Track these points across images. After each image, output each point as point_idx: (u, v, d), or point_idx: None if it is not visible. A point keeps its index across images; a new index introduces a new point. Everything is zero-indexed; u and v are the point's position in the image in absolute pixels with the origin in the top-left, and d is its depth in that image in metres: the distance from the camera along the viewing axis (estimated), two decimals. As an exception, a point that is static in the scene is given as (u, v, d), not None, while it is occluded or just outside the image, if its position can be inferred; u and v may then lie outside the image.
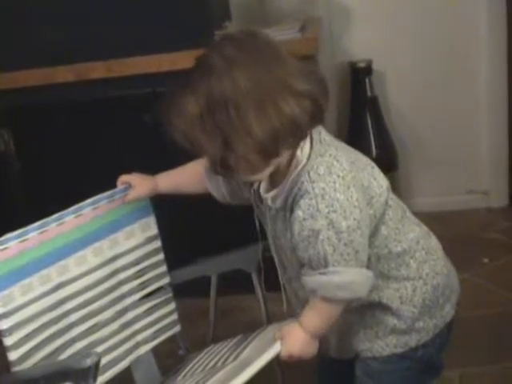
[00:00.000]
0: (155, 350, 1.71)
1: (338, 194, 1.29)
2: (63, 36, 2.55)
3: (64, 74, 2.57)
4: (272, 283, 1.66)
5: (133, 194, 1.61)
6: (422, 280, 1.43)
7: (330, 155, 1.32)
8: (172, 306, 1.72)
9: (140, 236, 1.65)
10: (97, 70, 2.56)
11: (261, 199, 1.42)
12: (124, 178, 1.62)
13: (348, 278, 1.33)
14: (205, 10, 2.55)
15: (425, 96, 3.10)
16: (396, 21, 3.03)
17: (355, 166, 1.34)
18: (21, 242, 1.43)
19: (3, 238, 1.41)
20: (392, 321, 1.44)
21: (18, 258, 1.43)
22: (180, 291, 1.74)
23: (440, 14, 3.00)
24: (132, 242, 1.64)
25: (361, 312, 1.45)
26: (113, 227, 1.61)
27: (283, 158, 1.31)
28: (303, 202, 1.29)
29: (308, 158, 1.31)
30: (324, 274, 1.32)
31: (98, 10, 2.55)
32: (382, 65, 3.03)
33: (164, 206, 1.67)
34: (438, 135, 3.12)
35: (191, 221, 2.56)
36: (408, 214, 1.45)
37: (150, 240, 1.67)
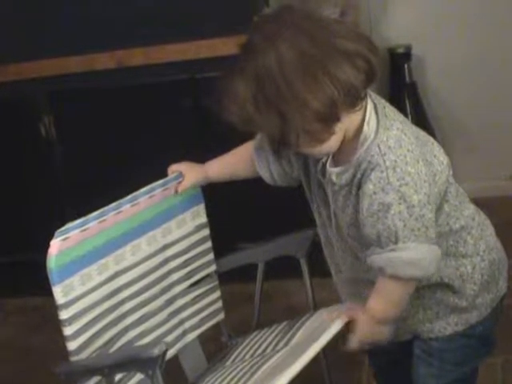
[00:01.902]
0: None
1: (409, 167, 1.27)
2: (102, 23, 2.56)
3: (104, 60, 2.59)
4: (318, 269, 1.68)
5: (185, 184, 1.61)
6: (479, 256, 1.42)
7: (398, 129, 1.30)
8: (218, 293, 1.72)
9: (190, 224, 1.65)
10: (136, 56, 2.57)
11: (323, 175, 1.39)
12: (174, 167, 1.62)
13: (419, 255, 1.30)
14: (243, -4, 2.55)
15: (464, 81, 3.05)
16: (435, 4, 2.99)
17: (420, 141, 1.34)
18: (82, 231, 1.42)
19: (64, 227, 1.40)
20: (453, 300, 1.43)
21: (79, 248, 1.42)
22: (220, 276, 1.74)
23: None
24: (183, 231, 1.64)
25: (420, 294, 1.43)
26: (166, 216, 1.60)
27: (348, 124, 1.29)
28: (374, 176, 1.27)
29: (376, 132, 1.29)
30: (393, 250, 1.29)
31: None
32: (421, 50, 3.00)
33: (212, 192, 1.67)
34: (478, 120, 3.09)
35: (238, 205, 2.56)
36: (461, 190, 1.45)
37: (199, 228, 1.67)
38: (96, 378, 1.43)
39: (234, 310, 1.73)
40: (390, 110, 1.34)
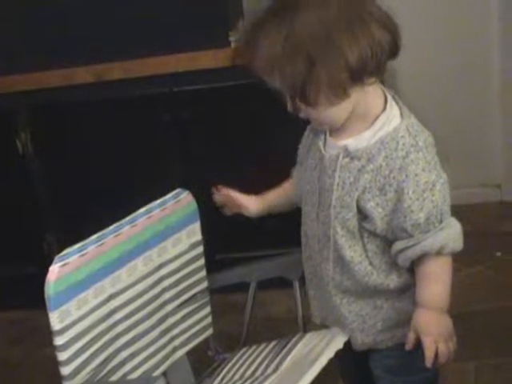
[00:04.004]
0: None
1: (432, 148, 1.36)
2: (81, 37, 2.55)
3: (82, 74, 2.58)
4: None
5: (233, 209, 1.66)
6: None
7: (414, 117, 1.38)
8: (208, 309, 1.71)
9: (186, 242, 1.64)
10: (114, 70, 2.57)
11: (325, 147, 1.41)
12: (239, 198, 1.66)
13: (459, 226, 1.37)
14: (220, 10, 2.56)
15: (438, 90, 3.10)
16: (405, 12, 3.02)
17: None
18: (80, 256, 1.40)
19: (64, 253, 1.38)
20: (413, 308, 1.42)
21: (77, 273, 1.40)
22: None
23: (449, 9, 3.01)
24: (178, 249, 1.63)
25: (377, 305, 1.44)
26: (163, 235, 1.59)
27: (358, 102, 1.32)
28: (413, 156, 1.31)
29: (401, 116, 1.35)
30: (443, 228, 1.33)
31: (114, 12, 2.55)
32: (394, 62, 3.04)
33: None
34: (451, 129, 3.10)
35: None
36: None
37: (194, 246, 1.66)
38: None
39: (216, 321, 1.75)
40: (405, 106, 1.40)
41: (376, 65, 1.29)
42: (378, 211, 1.35)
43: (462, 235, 1.37)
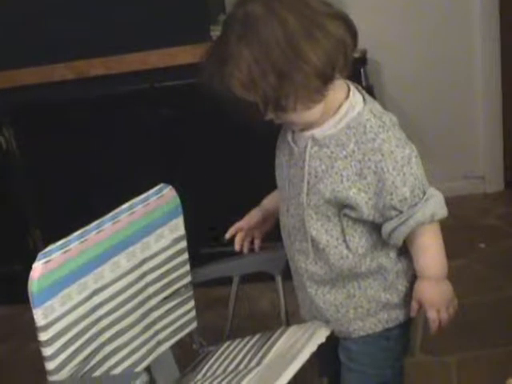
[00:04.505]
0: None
1: (398, 127, 1.39)
2: (60, 35, 2.54)
3: (62, 71, 2.58)
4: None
5: (258, 242, 1.66)
6: None
7: (377, 103, 1.42)
8: (191, 303, 1.73)
9: (168, 237, 1.64)
10: (95, 67, 2.57)
11: (295, 142, 1.44)
12: (240, 226, 1.65)
13: (440, 193, 1.41)
14: (201, 5, 2.57)
15: (420, 84, 3.13)
16: (390, 10, 3.05)
17: None
18: (64, 252, 1.41)
19: (46, 250, 1.39)
20: (385, 296, 1.47)
21: (60, 270, 1.41)
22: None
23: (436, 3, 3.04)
24: (161, 244, 1.63)
25: (351, 293, 1.47)
26: (146, 231, 1.59)
27: (333, 93, 1.35)
28: (384, 136, 1.35)
29: (364, 101, 1.39)
30: (428, 198, 1.37)
31: (95, 8, 2.55)
32: (377, 55, 3.05)
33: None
34: (434, 123, 3.15)
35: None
36: None
37: (177, 241, 1.67)
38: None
39: (199, 315, 1.74)
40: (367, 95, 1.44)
41: (344, 61, 1.33)
42: (361, 196, 1.37)
43: (444, 202, 1.41)
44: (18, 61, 2.59)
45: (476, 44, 3.10)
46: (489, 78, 3.14)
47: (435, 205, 1.38)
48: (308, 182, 1.41)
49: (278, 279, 1.70)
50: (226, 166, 2.63)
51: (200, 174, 2.52)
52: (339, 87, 1.38)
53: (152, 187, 1.61)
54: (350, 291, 1.48)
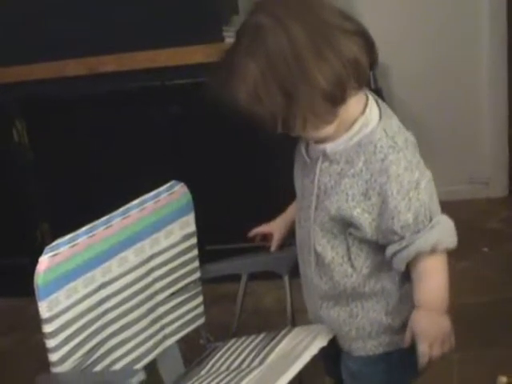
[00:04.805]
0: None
1: (413, 148, 1.33)
2: (74, 31, 2.57)
3: (75, 67, 2.61)
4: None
5: (276, 243, 1.66)
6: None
7: (396, 119, 1.36)
8: (200, 299, 1.73)
9: (178, 234, 1.65)
10: (107, 63, 2.59)
11: (308, 155, 1.41)
12: (263, 230, 1.67)
13: (451, 222, 1.35)
14: (213, 5, 2.58)
15: (428, 88, 3.12)
16: (399, 13, 3.05)
17: None
18: (71, 247, 1.42)
19: (53, 244, 1.40)
20: (387, 320, 1.44)
21: (67, 263, 1.42)
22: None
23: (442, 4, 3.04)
24: (170, 240, 1.64)
25: (354, 313, 1.45)
26: (155, 227, 1.60)
27: (348, 108, 1.30)
28: (393, 157, 1.29)
29: (380, 117, 1.33)
30: (433, 226, 1.31)
31: (109, 5, 2.57)
32: (386, 57, 3.06)
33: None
34: (441, 126, 3.14)
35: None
36: None
37: (187, 237, 1.67)
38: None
39: (206, 311, 1.74)
40: (388, 108, 1.39)
41: (356, 80, 1.27)
42: (364, 217, 1.33)
43: (454, 231, 1.35)
44: (32, 56, 2.61)
45: (483, 45, 3.09)
46: (495, 82, 3.13)
47: (440, 234, 1.32)
48: (317, 197, 1.39)
49: (286, 279, 1.71)
50: (233, 165, 2.65)
51: (208, 172, 2.54)
52: (356, 101, 1.32)
53: (159, 184, 1.62)
54: (353, 310, 1.45)
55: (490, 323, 2.35)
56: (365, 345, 1.47)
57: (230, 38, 2.57)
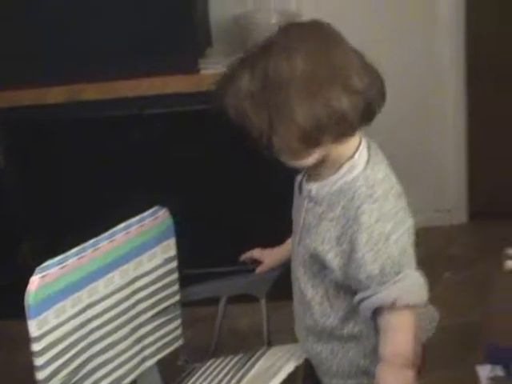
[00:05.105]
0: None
1: (396, 198, 1.32)
2: (56, 58, 2.65)
3: (56, 94, 2.68)
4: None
5: (263, 268, 1.71)
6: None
7: (385, 166, 1.36)
8: (178, 321, 1.79)
9: (160, 257, 1.70)
10: (88, 91, 2.67)
11: (301, 190, 1.43)
12: (255, 255, 1.72)
13: (419, 276, 1.32)
14: (190, 38, 2.68)
15: (391, 120, 3.22)
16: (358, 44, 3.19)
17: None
18: (60, 268, 1.46)
19: (45, 264, 1.44)
20: (364, 363, 1.45)
21: (56, 284, 1.46)
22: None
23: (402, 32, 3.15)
24: (153, 263, 1.69)
25: (334, 351, 1.46)
26: (140, 250, 1.65)
27: (330, 151, 1.30)
28: (367, 207, 1.28)
29: (366, 164, 1.33)
30: (399, 280, 1.29)
31: (90, 34, 2.66)
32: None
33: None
34: (409, 160, 3.20)
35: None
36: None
37: (168, 261, 1.73)
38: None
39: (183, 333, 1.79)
40: (380, 153, 1.39)
41: (337, 133, 1.27)
42: (336, 262, 1.34)
43: (421, 287, 1.33)
44: (13, 82, 2.67)
45: (443, 82, 3.25)
46: (455, 121, 3.32)
47: (402, 289, 1.30)
48: (301, 233, 1.42)
49: (263, 302, 1.77)
50: (214, 190, 2.74)
51: (187, 199, 2.63)
52: (348, 144, 1.33)
53: (138, 210, 1.66)
54: (333, 349, 1.46)
55: (452, 344, 2.43)
56: (345, 383, 1.48)
57: (205, 70, 2.69)
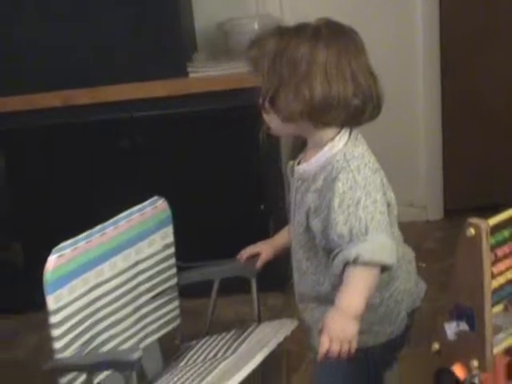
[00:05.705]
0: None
1: (370, 172, 1.48)
2: (51, 65, 2.80)
3: (51, 99, 2.81)
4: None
5: (261, 262, 1.85)
6: (389, 293, 1.58)
7: (363, 148, 1.53)
8: (176, 302, 1.97)
9: (159, 243, 1.89)
10: (81, 96, 2.81)
11: (292, 174, 1.61)
12: (253, 250, 1.86)
13: (387, 241, 1.45)
14: (177, 44, 2.85)
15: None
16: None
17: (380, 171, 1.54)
18: (72, 250, 1.65)
19: (60, 246, 1.63)
20: None
21: (69, 264, 1.65)
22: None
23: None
24: (153, 249, 1.88)
25: (324, 311, 1.53)
26: (141, 236, 1.84)
27: (321, 133, 1.49)
28: (342, 176, 1.45)
29: (345, 145, 1.50)
30: (365, 240, 1.43)
31: (84, 43, 2.81)
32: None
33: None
34: (381, 155, 3.43)
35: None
36: (398, 232, 1.65)
37: (166, 247, 1.91)
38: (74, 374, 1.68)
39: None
40: (361, 138, 1.55)
41: (320, 115, 1.46)
42: (318, 227, 1.51)
43: (385, 250, 1.45)
44: (9, 88, 2.80)
45: (419, 78, 3.39)
46: (430, 119, 3.47)
47: (366, 248, 1.42)
48: (294, 212, 1.60)
49: (253, 281, 1.93)
50: (201, 191, 2.88)
51: (176, 201, 2.73)
52: (330, 129, 1.51)
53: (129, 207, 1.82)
54: (327, 310, 1.52)
55: (423, 326, 2.54)
56: None
57: (193, 74, 2.83)
